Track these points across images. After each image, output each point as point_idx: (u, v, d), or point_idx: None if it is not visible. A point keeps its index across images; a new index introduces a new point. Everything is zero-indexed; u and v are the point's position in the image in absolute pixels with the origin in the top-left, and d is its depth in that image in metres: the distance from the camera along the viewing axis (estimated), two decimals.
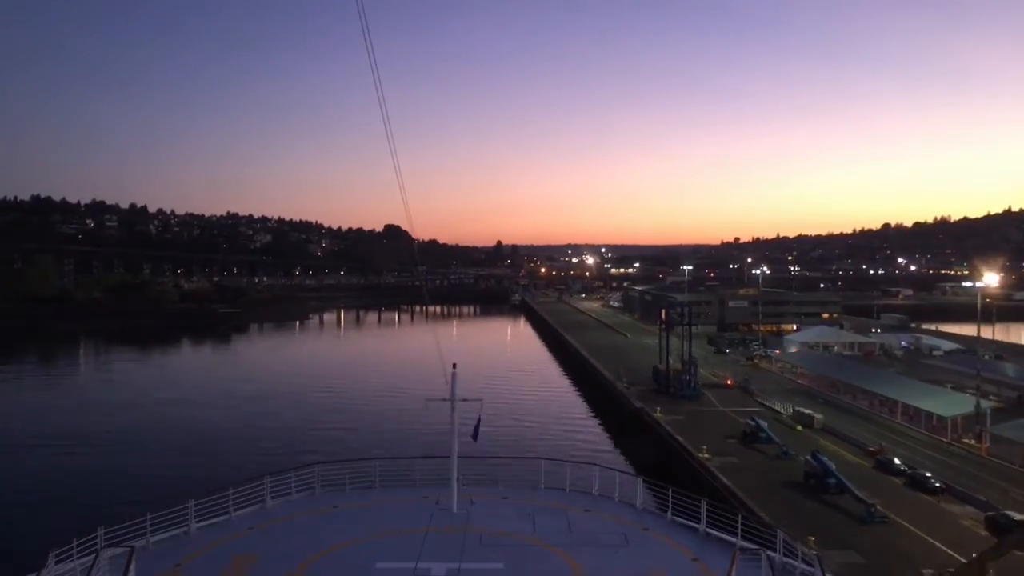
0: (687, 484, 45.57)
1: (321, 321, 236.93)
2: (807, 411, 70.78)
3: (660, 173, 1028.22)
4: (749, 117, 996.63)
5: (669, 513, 26.53)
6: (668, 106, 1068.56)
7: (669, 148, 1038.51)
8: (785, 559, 22.12)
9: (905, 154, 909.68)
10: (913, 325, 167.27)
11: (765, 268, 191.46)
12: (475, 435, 27.75)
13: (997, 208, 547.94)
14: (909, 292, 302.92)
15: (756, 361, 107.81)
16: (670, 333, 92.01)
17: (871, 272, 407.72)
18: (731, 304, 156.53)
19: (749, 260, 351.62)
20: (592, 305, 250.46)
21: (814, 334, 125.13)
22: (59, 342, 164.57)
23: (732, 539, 23.81)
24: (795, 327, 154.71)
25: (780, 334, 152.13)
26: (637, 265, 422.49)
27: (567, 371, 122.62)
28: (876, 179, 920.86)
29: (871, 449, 59.33)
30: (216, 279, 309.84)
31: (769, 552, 21.18)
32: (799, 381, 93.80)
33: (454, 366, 26.77)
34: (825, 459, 51.16)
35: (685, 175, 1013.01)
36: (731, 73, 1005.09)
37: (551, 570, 21.59)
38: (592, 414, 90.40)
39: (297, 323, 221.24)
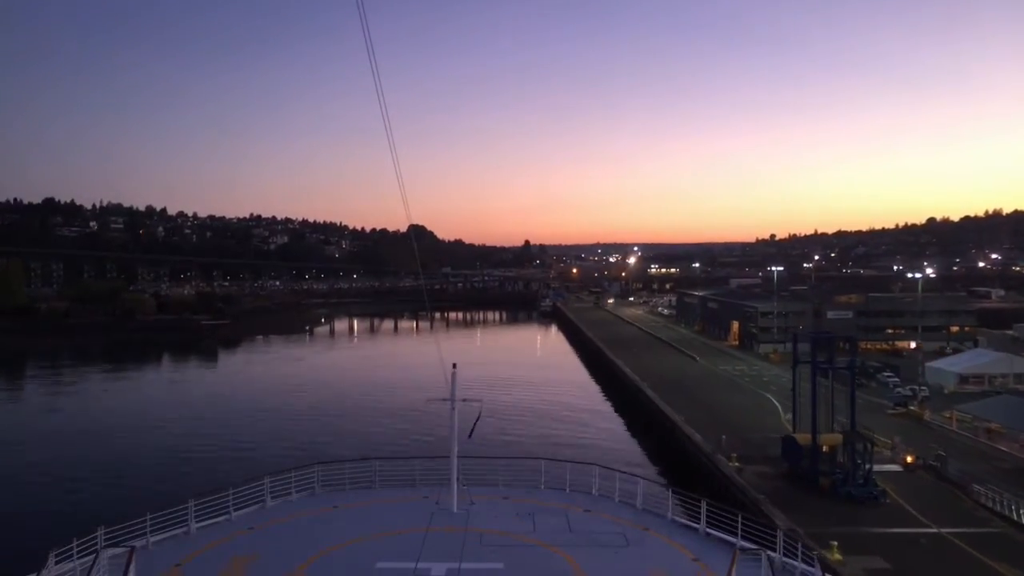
0: None
1: (332, 332, 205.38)
2: None
3: (688, 170, 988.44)
4: (775, 112, 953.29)
5: (669, 513, 26.11)
6: (694, 101, 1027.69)
7: (695, 143, 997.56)
8: (785, 559, 21.67)
9: (942, 145, 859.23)
10: None
11: (929, 270, 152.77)
12: (471, 433, 27.65)
13: None
14: (1002, 292, 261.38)
15: (917, 408, 71.53)
16: (808, 377, 56.62)
17: (963, 268, 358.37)
18: (830, 315, 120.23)
19: (816, 257, 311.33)
20: (636, 312, 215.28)
21: (972, 361, 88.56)
22: None
23: (732, 539, 23.22)
24: (912, 345, 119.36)
25: (898, 353, 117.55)
26: (697, 265, 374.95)
27: (626, 422, 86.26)
28: (914, 172, 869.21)
29: None
30: (216, 284, 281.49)
31: (769, 552, 20.58)
32: (1004, 448, 58.47)
33: (454, 366, 26.49)
34: None
35: (713, 171, 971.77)
36: (760, 68, 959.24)
37: (551, 570, 21.11)
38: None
39: (297, 334, 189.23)
